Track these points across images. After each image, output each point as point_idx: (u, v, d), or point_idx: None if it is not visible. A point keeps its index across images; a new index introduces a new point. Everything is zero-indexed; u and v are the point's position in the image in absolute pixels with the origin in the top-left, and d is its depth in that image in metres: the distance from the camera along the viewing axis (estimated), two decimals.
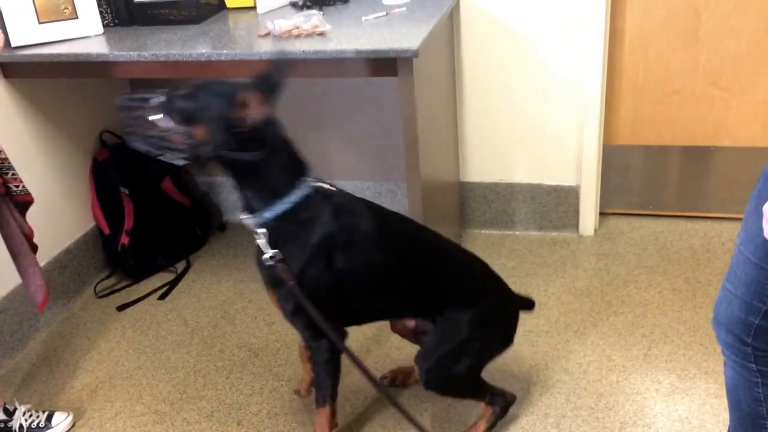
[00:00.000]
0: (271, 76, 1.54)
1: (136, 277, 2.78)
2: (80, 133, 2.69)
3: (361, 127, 2.85)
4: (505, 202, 2.83)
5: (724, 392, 1.54)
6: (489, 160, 2.78)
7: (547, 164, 2.73)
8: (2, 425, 2.00)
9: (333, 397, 1.75)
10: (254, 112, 1.46)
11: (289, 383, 2.17)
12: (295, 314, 1.62)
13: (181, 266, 2.82)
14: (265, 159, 1.51)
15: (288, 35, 2.13)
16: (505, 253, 2.73)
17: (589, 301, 2.41)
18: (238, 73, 2.16)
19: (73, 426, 2.08)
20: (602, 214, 2.87)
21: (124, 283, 2.75)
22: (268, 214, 1.53)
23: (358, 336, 2.33)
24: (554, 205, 2.79)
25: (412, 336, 1.90)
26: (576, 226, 2.80)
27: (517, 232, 2.86)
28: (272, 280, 1.59)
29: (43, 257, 2.53)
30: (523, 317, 2.33)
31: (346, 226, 1.58)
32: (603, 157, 2.74)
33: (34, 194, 2.49)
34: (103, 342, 2.45)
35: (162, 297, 2.67)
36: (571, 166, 2.70)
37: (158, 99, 1.50)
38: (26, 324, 2.45)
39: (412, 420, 1.66)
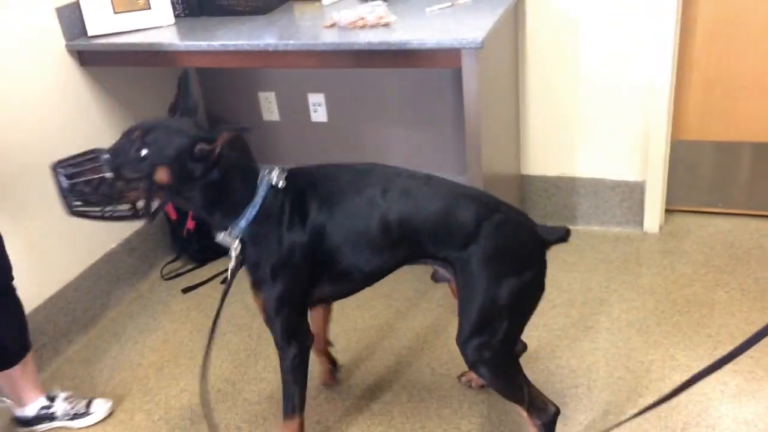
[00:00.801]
0: (183, 101, 1.60)
1: (201, 261, 2.85)
2: None
3: (422, 119, 2.85)
4: (566, 197, 2.79)
5: None
6: (551, 154, 2.74)
7: (612, 158, 2.67)
8: (45, 411, 2.06)
9: (301, 407, 1.76)
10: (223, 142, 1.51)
11: (345, 368, 2.20)
12: (277, 316, 1.66)
13: None
14: (223, 175, 1.55)
15: (353, 26, 2.15)
16: (566, 248, 2.69)
17: (653, 300, 2.36)
18: (302, 64, 2.20)
19: (111, 413, 2.12)
20: (668, 211, 2.80)
21: (189, 267, 2.84)
22: (243, 223, 1.59)
23: (416, 326, 2.35)
24: (618, 201, 2.73)
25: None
26: (640, 222, 2.74)
27: (578, 227, 2.82)
28: (254, 284, 1.66)
29: (114, 239, 2.64)
30: (584, 313, 2.32)
31: (307, 205, 1.62)
32: (671, 152, 2.67)
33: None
34: (168, 322, 2.53)
35: (224, 281, 2.73)
36: (636, 160, 2.64)
37: (105, 156, 1.47)
38: (98, 302, 2.56)
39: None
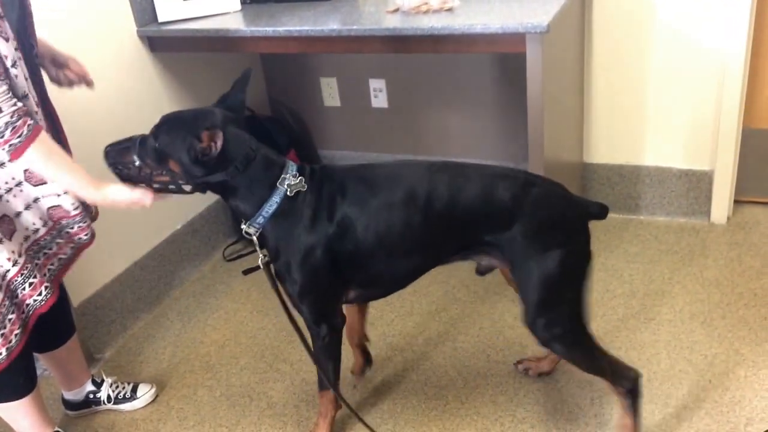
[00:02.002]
0: (234, 94, 1.64)
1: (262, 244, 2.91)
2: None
3: (484, 105, 2.84)
4: (630, 186, 2.73)
5: None
6: (615, 141, 2.69)
7: (679, 146, 2.60)
8: (91, 395, 2.10)
9: (334, 383, 1.79)
10: (217, 143, 1.51)
11: (401, 352, 2.22)
12: (302, 300, 1.67)
13: None
14: (239, 173, 1.56)
15: (416, 11, 2.15)
16: (628, 238, 2.64)
17: (718, 292, 2.29)
18: (365, 49, 2.22)
19: (156, 398, 2.16)
20: (737, 202, 2.71)
21: (249, 249, 2.90)
22: (261, 219, 1.60)
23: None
24: (684, 191, 2.66)
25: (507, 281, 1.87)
26: (707, 213, 2.66)
27: (641, 217, 2.76)
28: (277, 274, 1.68)
29: (178, 221, 2.72)
30: (646, 304, 2.27)
31: (333, 206, 1.61)
32: (742, 141, 2.57)
33: None
34: (229, 303, 2.60)
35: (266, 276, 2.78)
36: (705, 149, 2.57)
37: (135, 143, 1.57)
38: (162, 281, 2.64)
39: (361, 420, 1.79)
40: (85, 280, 2.30)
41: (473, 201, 1.60)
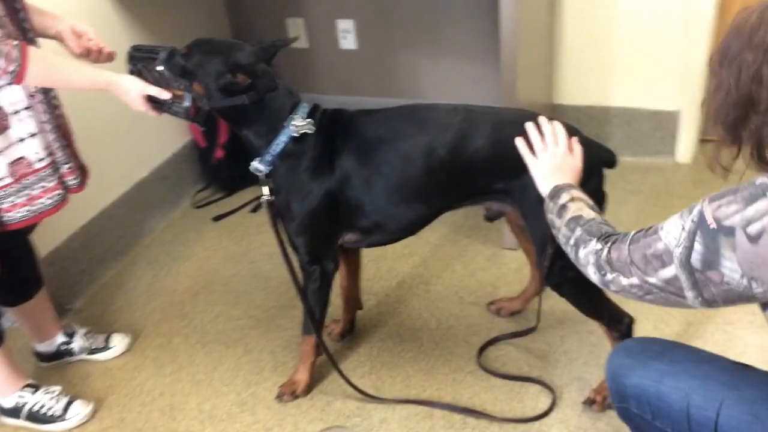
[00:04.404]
0: (272, 41, 1.65)
1: (230, 189, 2.88)
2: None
3: (455, 46, 2.80)
4: (599, 126, 2.75)
5: None
6: (585, 83, 2.69)
7: (648, 87, 2.62)
8: (63, 347, 2.08)
9: (318, 328, 1.81)
10: (244, 81, 1.57)
11: (375, 296, 2.24)
12: (298, 238, 1.71)
13: None
14: (257, 99, 1.59)
15: None
16: None
17: None
18: None
19: (130, 348, 2.14)
20: (702, 141, 2.75)
21: (219, 195, 2.87)
22: (269, 157, 1.63)
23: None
24: (651, 131, 2.69)
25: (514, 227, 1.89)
26: (673, 152, 2.70)
27: None
28: (277, 212, 1.70)
29: (145, 168, 2.67)
30: None
31: (337, 152, 1.63)
32: (708, 81, 2.59)
33: None
34: (201, 250, 2.58)
35: (254, 210, 2.77)
36: (673, 89, 2.58)
37: (163, 54, 1.59)
38: (132, 230, 2.61)
39: (346, 379, 1.83)
40: (51, 231, 2.25)
41: (483, 149, 1.58)
